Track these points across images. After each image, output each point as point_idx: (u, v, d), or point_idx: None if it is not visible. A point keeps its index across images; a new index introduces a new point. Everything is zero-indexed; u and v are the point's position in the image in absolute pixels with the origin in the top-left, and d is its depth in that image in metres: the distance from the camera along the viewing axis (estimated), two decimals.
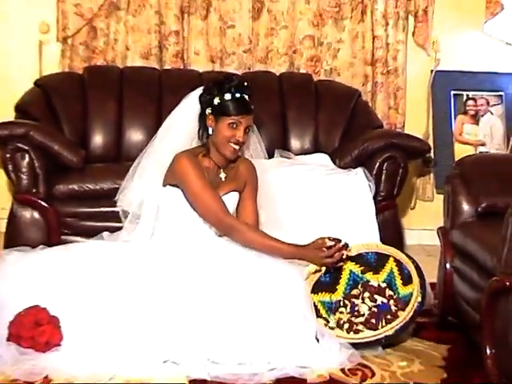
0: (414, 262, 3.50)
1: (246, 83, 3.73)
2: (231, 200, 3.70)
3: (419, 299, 3.40)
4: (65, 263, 3.51)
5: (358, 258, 3.49)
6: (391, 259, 3.50)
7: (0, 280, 3.44)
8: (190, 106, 3.79)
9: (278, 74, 5.36)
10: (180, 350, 3.14)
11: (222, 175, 3.74)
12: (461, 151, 5.36)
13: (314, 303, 3.39)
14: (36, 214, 4.50)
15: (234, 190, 3.73)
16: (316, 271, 3.46)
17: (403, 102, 5.61)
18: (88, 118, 5.03)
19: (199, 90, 3.77)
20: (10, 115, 4.80)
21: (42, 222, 4.49)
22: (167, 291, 3.32)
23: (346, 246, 3.44)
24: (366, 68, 5.56)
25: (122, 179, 3.87)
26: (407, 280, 3.44)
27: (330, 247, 3.43)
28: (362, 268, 3.48)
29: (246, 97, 3.66)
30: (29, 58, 5.37)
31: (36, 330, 3.18)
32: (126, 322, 3.21)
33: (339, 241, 3.44)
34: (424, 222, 5.37)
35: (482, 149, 5.58)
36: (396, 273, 3.46)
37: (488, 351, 2.99)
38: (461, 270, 3.64)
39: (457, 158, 4.82)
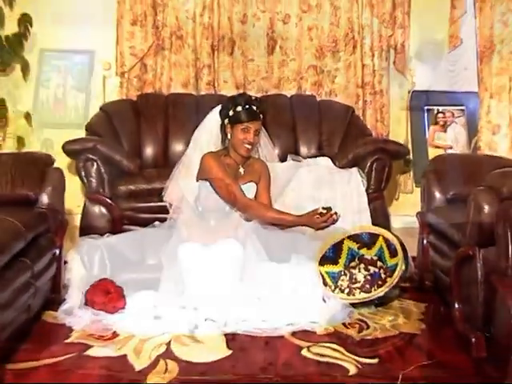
0: (398, 239, 3.49)
1: (253, 97, 3.78)
2: (250, 188, 3.74)
3: (403, 268, 3.41)
4: (126, 245, 3.56)
5: (354, 237, 3.49)
6: (381, 238, 3.49)
7: (77, 260, 3.49)
8: (212, 120, 3.83)
9: (289, 96, 5.34)
10: (217, 311, 3.16)
11: (241, 170, 3.78)
12: (433, 153, 5.34)
13: (321, 273, 3.40)
14: (103, 209, 4.50)
15: (251, 181, 3.77)
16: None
17: (387, 115, 5.59)
18: (141, 134, 5.04)
19: (219, 107, 3.81)
20: (81, 133, 4.84)
21: (107, 215, 4.49)
22: (206, 266, 3.33)
23: (335, 213, 3.49)
24: (357, 90, 5.54)
25: None
26: (393, 253, 3.44)
27: (321, 214, 3.49)
28: (358, 245, 3.47)
29: (254, 107, 3.68)
30: (95, 89, 5.42)
31: (106, 296, 3.23)
32: (176, 289, 3.25)
33: (330, 209, 3.50)
34: (406, 209, 5.31)
35: (450, 151, 5.57)
36: (385, 248, 3.45)
37: (456, 306, 3.01)
38: (435, 244, 3.64)
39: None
